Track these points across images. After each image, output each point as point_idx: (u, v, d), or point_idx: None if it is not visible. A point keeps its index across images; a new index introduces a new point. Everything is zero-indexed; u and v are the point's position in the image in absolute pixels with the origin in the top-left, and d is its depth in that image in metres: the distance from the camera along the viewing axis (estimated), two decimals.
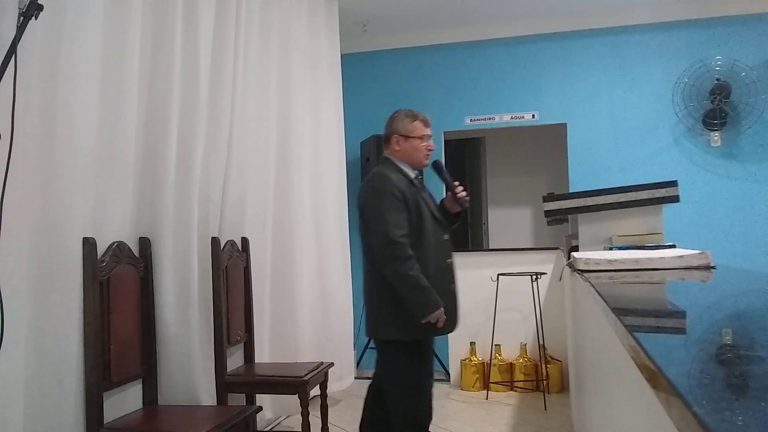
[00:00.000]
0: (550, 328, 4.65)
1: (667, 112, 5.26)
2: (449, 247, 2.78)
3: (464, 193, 2.78)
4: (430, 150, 2.78)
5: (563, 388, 4.67)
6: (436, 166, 2.87)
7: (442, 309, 2.55)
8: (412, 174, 2.75)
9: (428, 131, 2.78)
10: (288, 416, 3.81)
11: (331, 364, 3.48)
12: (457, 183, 2.79)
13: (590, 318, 2.13)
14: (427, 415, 2.69)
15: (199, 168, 2.95)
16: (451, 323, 2.68)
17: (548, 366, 4.63)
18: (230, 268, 3.23)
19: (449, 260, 2.75)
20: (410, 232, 2.58)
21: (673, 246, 2.57)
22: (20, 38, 1.69)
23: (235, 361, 3.30)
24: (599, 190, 2.86)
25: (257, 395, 3.30)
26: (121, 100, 2.48)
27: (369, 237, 2.63)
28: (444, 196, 2.90)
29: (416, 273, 2.52)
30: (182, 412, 2.64)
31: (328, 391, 3.48)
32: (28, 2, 1.70)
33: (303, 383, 3.01)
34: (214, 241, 3.07)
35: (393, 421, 2.66)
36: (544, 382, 4.52)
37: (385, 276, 2.56)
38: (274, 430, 3.67)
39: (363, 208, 2.67)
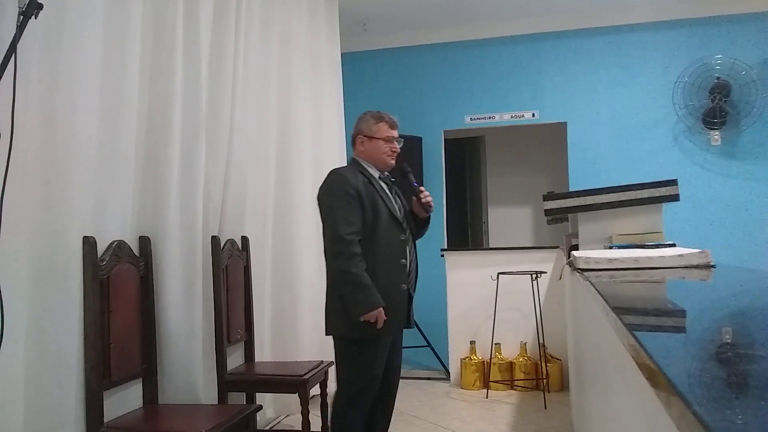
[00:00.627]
0: (550, 327, 4.65)
1: (667, 111, 5.26)
2: (405, 248, 2.71)
3: (429, 199, 2.79)
4: (394, 151, 2.77)
5: (563, 386, 4.67)
6: (402, 170, 2.87)
7: (381, 309, 2.51)
8: (376, 174, 2.75)
9: (394, 133, 2.78)
10: (288, 415, 3.81)
11: (332, 363, 3.47)
12: (422, 188, 2.80)
13: (590, 317, 2.13)
14: (357, 423, 2.65)
15: (200, 167, 2.95)
16: (397, 323, 2.67)
17: (548, 365, 4.63)
18: (230, 267, 3.23)
19: (403, 261, 2.68)
20: (364, 230, 2.58)
21: (673, 245, 2.57)
22: (20, 37, 1.69)
23: (235, 360, 3.30)
24: (599, 189, 2.86)
25: (257, 394, 3.30)
26: (121, 99, 2.48)
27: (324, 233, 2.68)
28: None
29: (358, 270, 2.50)
30: (182, 411, 2.64)
31: (328, 390, 3.48)
32: (28, 1, 1.70)
33: (303, 382, 3.01)
34: (214, 240, 3.07)
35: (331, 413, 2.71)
36: (544, 380, 4.52)
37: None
38: (274, 429, 3.67)
39: (318, 206, 2.70)
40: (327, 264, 2.67)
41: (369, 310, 2.50)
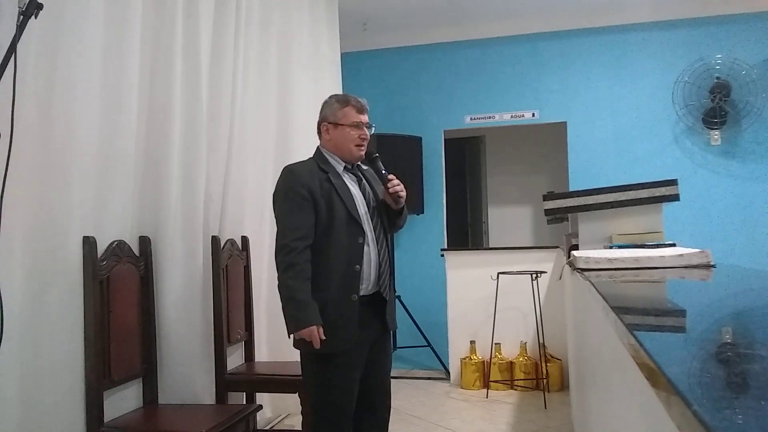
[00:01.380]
0: (550, 327, 4.65)
1: (667, 111, 5.26)
2: (362, 252, 2.37)
3: (398, 188, 2.40)
4: (363, 139, 2.41)
5: (563, 386, 4.67)
6: (368, 155, 2.48)
7: (314, 328, 2.22)
8: (340, 167, 2.42)
9: (363, 118, 2.42)
10: (288, 415, 3.81)
11: None
12: (391, 177, 2.42)
13: (590, 316, 2.13)
14: None
15: (200, 167, 2.95)
16: (342, 341, 2.30)
17: (548, 364, 4.63)
18: (230, 267, 3.23)
19: (358, 267, 2.34)
20: (317, 233, 2.31)
21: (673, 245, 2.57)
22: (20, 37, 1.69)
23: (235, 359, 3.30)
24: (599, 188, 2.86)
25: (257, 394, 3.30)
26: (121, 99, 2.49)
27: None
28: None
29: (294, 283, 2.25)
30: (182, 410, 2.64)
31: None
32: (27, 1, 1.69)
33: (303, 382, 3.01)
34: (214, 239, 3.07)
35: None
36: (544, 380, 4.52)
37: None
38: (274, 428, 3.67)
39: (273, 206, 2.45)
40: None
41: (300, 328, 2.24)
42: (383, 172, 2.46)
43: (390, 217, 2.51)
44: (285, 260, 2.28)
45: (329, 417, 2.35)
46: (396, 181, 2.42)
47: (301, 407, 2.99)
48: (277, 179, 2.42)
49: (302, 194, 2.31)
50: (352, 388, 2.37)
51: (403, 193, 2.44)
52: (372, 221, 2.42)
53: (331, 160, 2.43)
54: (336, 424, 2.35)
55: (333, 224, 2.33)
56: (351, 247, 2.35)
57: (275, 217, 2.40)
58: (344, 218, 2.34)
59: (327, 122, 2.44)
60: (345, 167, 2.44)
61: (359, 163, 2.50)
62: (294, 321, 2.26)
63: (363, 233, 2.38)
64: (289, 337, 2.32)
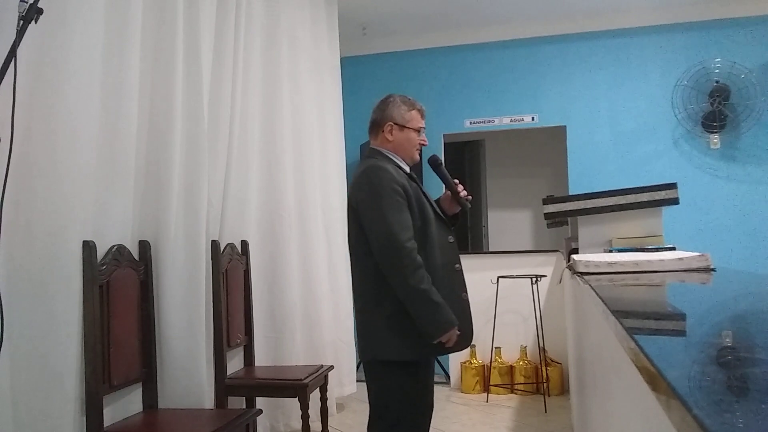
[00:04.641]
0: (550, 331, 4.64)
1: (667, 115, 5.27)
2: (456, 251, 2.41)
3: (465, 192, 2.45)
4: (423, 145, 2.44)
5: (563, 390, 4.66)
6: (433, 161, 2.51)
7: (455, 329, 2.21)
8: (407, 169, 2.41)
9: (423, 124, 2.45)
10: (288, 420, 3.80)
11: (331, 367, 3.48)
12: (456, 181, 2.47)
13: (590, 320, 2.13)
14: None
15: (200, 171, 2.95)
16: (464, 340, 2.31)
17: (548, 368, 4.62)
18: (230, 271, 3.23)
19: (458, 266, 2.37)
20: (414, 234, 2.23)
21: (673, 248, 2.57)
22: (20, 42, 1.69)
23: (235, 364, 3.30)
24: (599, 192, 2.86)
25: (257, 398, 3.30)
26: (121, 103, 2.49)
27: (361, 241, 2.28)
28: (442, 194, 2.54)
29: (427, 286, 2.17)
30: (182, 415, 2.64)
31: (328, 395, 3.47)
32: (28, 6, 1.70)
33: (303, 386, 3.01)
34: (214, 244, 3.07)
35: None
36: (545, 384, 4.51)
37: (389, 285, 2.20)
38: None
39: (358, 207, 2.28)
40: (362, 276, 2.31)
41: (446, 330, 2.18)
42: (450, 177, 2.49)
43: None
44: (407, 263, 2.16)
45: (421, 423, 2.32)
46: (462, 186, 2.46)
47: (325, 414, 2.97)
48: (363, 175, 2.30)
49: (400, 193, 2.23)
50: (431, 398, 2.37)
51: (471, 197, 2.47)
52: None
53: (398, 161, 2.39)
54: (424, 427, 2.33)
55: (428, 223, 2.29)
56: (447, 247, 2.35)
57: (371, 217, 2.22)
58: (434, 218, 2.33)
59: (394, 123, 2.39)
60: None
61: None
62: (438, 324, 2.18)
63: (452, 232, 2.41)
64: (434, 341, 2.20)
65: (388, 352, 2.24)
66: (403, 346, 2.22)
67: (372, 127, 2.45)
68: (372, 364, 2.31)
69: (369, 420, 2.34)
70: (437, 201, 2.49)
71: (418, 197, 2.31)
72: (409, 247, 2.17)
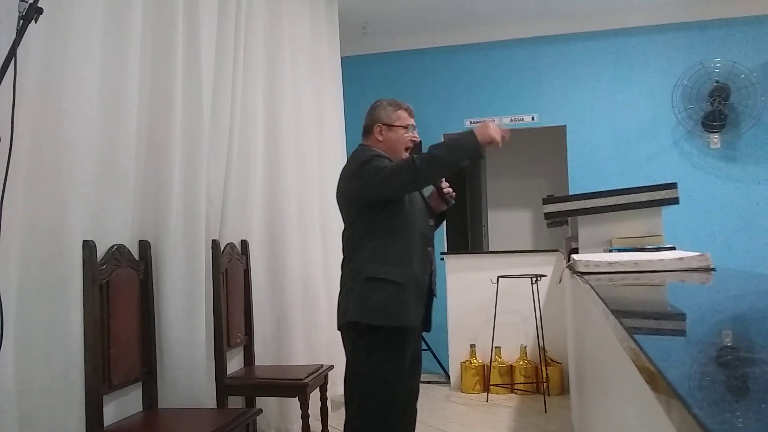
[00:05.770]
0: (550, 331, 4.65)
1: (667, 115, 5.27)
2: (432, 236, 2.60)
3: (450, 190, 2.58)
4: (414, 141, 2.56)
5: (563, 390, 4.66)
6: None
7: (485, 125, 2.27)
8: None
9: (412, 121, 2.59)
10: (288, 420, 3.80)
11: (331, 367, 3.48)
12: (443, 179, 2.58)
13: (590, 320, 2.13)
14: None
15: (200, 170, 2.95)
16: (416, 315, 2.42)
17: (548, 368, 4.62)
18: (230, 270, 3.23)
19: (430, 248, 2.53)
20: (399, 213, 2.39)
21: (673, 248, 2.57)
22: (20, 41, 1.69)
23: (235, 364, 3.30)
24: (599, 192, 2.86)
25: (257, 398, 3.30)
26: (121, 102, 2.49)
27: (352, 224, 2.43)
28: (429, 192, 2.65)
29: (421, 155, 2.30)
30: (182, 415, 2.64)
31: (328, 394, 3.47)
32: (27, 5, 1.70)
33: (303, 386, 3.01)
34: (214, 243, 3.07)
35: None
36: (545, 384, 4.51)
37: (366, 254, 2.35)
38: None
39: (346, 190, 2.44)
40: (353, 232, 2.43)
41: (473, 136, 2.25)
42: None
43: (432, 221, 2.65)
44: (399, 169, 2.30)
45: (384, 406, 2.32)
46: (448, 184, 2.59)
47: (326, 414, 2.98)
48: (349, 162, 2.49)
49: (381, 156, 2.41)
50: (404, 381, 2.39)
51: (455, 195, 2.60)
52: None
53: (387, 156, 2.49)
54: (391, 417, 2.34)
55: (413, 209, 2.44)
56: (425, 227, 2.52)
57: (362, 182, 2.35)
58: (420, 205, 2.50)
59: (382, 124, 2.53)
60: None
61: None
62: (465, 140, 2.28)
63: (431, 218, 2.58)
64: (479, 152, 2.26)
65: (354, 314, 2.34)
66: (369, 309, 2.31)
67: (364, 131, 2.60)
68: (345, 329, 2.42)
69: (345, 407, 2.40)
70: (424, 199, 2.63)
71: None
72: (394, 164, 2.34)
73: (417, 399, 2.62)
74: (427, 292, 2.51)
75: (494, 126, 2.28)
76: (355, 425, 2.35)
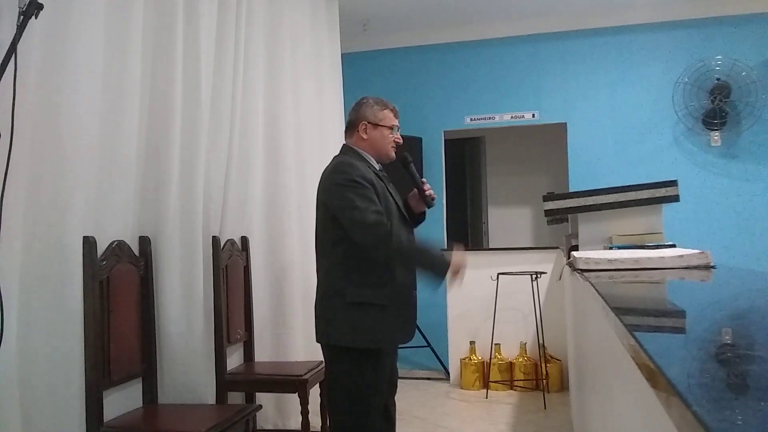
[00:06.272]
0: (549, 328, 4.65)
1: (667, 112, 5.26)
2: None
3: (432, 191, 2.57)
4: (397, 142, 2.54)
5: (563, 387, 4.67)
6: (402, 159, 2.60)
7: (457, 255, 2.31)
8: (377, 166, 2.52)
9: (397, 122, 2.56)
10: (287, 416, 3.81)
11: None
12: (424, 180, 2.59)
13: (590, 317, 2.13)
14: None
15: (200, 167, 2.95)
16: (407, 335, 2.47)
17: (548, 365, 4.63)
18: (230, 267, 3.23)
19: None
20: None
21: (673, 245, 2.57)
22: (20, 37, 1.69)
23: (234, 360, 3.31)
24: (599, 189, 2.86)
25: (257, 394, 3.30)
26: (122, 98, 2.48)
27: (329, 232, 2.41)
28: (410, 193, 2.64)
29: (407, 243, 2.34)
30: (182, 410, 2.64)
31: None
32: (28, 1, 1.70)
33: (303, 382, 3.02)
34: (215, 240, 3.07)
35: None
36: (544, 381, 4.52)
37: (352, 276, 2.35)
38: (274, 428, 3.66)
39: (326, 202, 2.40)
40: (325, 259, 2.44)
41: (447, 262, 2.28)
42: (418, 176, 2.58)
43: (412, 221, 2.62)
44: (383, 234, 2.27)
45: (365, 417, 2.36)
46: (428, 185, 2.58)
47: (326, 410, 3.02)
48: (330, 173, 2.43)
49: (364, 184, 2.34)
50: (384, 387, 2.43)
51: (435, 196, 2.58)
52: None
53: (368, 159, 2.50)
54: (371, 424, 2.37)
55: (391, 220, 2.36)
56: None
57: (339, 206, 2.34)
58: (397, 215, 2.44)
59: (367, 122, 2.50)
60: (380, 168, 2.53)
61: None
62: (439, 263, 2.31)
63: (411, 231, 2.53)
64: (446, 276, 2.29)
65: (341, 338, 2.35)
66: (355, 333, 2.33)
67: (348, 127, 2.57)
68: (326, 348, 2.43)
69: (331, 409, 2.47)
70: (405, 199, 2.61)
71: (384, 194, 2.41)
72: (378, 220, 2.28)
73: (396, 389, 2.66)
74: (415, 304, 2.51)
75: (463, 262, 2.32)
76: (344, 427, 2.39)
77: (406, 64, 5.84)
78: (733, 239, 5.04)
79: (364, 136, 2.50)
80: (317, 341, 2.47)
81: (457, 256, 2.32)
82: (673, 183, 2.76)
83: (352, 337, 2.33)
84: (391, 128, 2.52)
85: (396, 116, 2.57)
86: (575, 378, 3.66)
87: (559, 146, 5.69)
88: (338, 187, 2.35)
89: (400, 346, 2.58)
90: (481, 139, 6.92)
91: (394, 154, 2.55)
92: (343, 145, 2.57)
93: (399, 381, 2.91)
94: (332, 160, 2.53)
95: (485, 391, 4.65)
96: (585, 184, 4.63)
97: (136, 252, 2.61)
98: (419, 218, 2.65)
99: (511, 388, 4.71)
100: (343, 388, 2.37)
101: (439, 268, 2.30)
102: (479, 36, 5.68)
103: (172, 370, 2.76)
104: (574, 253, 2.39)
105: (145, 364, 2.61)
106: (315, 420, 3.29)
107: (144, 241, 2.67)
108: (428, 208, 2.60)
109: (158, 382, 2.69)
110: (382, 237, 2.27)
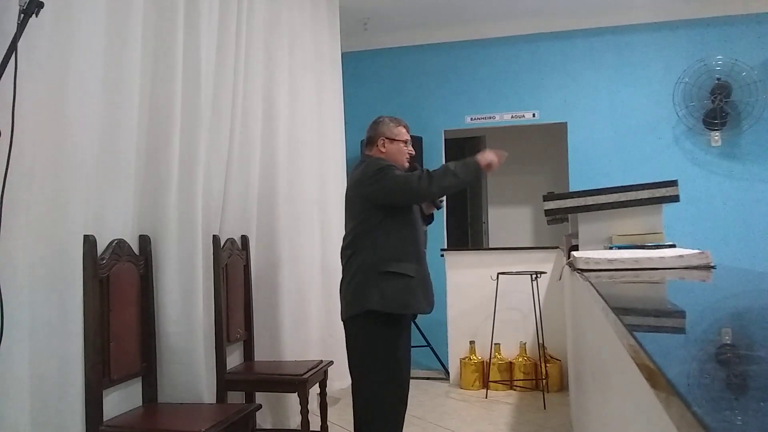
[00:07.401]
0: (549, 327, 4.65)
1: (668, 112, 5.26)
2: (426, 239, 2.99)
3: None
4: (410, 154, 2.95)
5: (563, 387, 4.67)
6: (412, 169, 2.97)
7: (483, 152, 2.77)
8: None
9: (408, 137, 2.97)
10: (287, 415, 3.81)
11: (331, 362, 3.48)
12: None
13: (590, 317, 2.13)
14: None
15: (201, 165, 2.95)
16: (429, 303, 2.84)
17: (548, 365, 4.63)
18: (230, 266, 3.23)
19: (425, 250, 2.94)
20: (405, 217, 2.79)
21: (673, 245, 2.57)
22: (21, 35, 1.69)
23: (234, 359, 3.31)
24: (599, 189, 2.86)
25: (257, 393, 3.30)
26: (122, 97, 2.48)
27: (364, 222, 2.75)
28: None
29: (430, 173, 2.67)
30: (182, 409, 2.64)
31: (328, 389, 3.48)
32: (28, 0, 1.70)
33: (303, 381, 3.02)
34: (215, 239, 3.07)
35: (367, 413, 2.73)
36: (544, 381, 4.52)
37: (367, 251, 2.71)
38: (273, 428, 3.66)
39: (362, 191, 2.77)
40: (358, 242, 2.74)
41: (479, 162, 2.72)
42: None
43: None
44: (420, 175, 2.67)
45: (387, 384, 2.68)
46: None
47: (325, 410, 3.18)
48: (365, 167, 2.80)
49: (394, 167, 2.77)
50: (407, 359, 2.81)
51: (443, 199, 3.08)
52: None
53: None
54: (393, 393, 2.69)
55: (413, 214, 2.83)
56: (420, 231, 2.88)
57: (379, 185, 2.71)
58: (418, 210, 2.89)
59: (385, 137, 2.91)
60: None
61: None
62: (468, 168, 2.74)
63: (425, 223, 2.98)
64: (482, 172, 2.77)
65: (372, 304, 2.66)
66: (385, 300, 2.67)
67: (368, 142, 2.97)
68: (353, 320, 2.74)
69: (353, 405, 2.77)
70: None
71: None
72: (411, 174, 2.73)
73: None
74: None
75: (491, 153, 2.76)
76: (374, 404, 2.70)
77: (406, 63, 5.84)
78: (733, 239, 5.05)
79: (383, 150, 2.90)
80: (342, 318, 2.79)
81: (483, 154, 2.75)
82: (673, 183, 2.76)
83: (384, 303, 2.66)
84: (405, 142, 2.93)
85: (408, 131, 2.97)
86: (575, 378, 3.66)
87: (559, 146, 5.69)
88: (375, 172, 2.73)
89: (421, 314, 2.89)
90: (481, 139, 6.91)
91: (407, 164, 2.93)
92: (365, 155, 2.96)
93: None
94: (357, 166, 2.91)
95: (485, 390, 4.65)
96: (585, 184, 4.63)
97: (136, 251, 2.61)
98: (429, 219, 3.04)
99: (511, 388, 4.71)
100: (371, 355, 2.69)
101: (474, 167, 2.73)
102: (480, 35, 5.68)
103: (171, 369, 2.75)
104: (574, 253, 2.39)
105: (144, 363, 2.61)
106: (314, 420, 3.30)
107: (144, 240, 2.67)
108: (437, 209, 3.02)
109: (158, 381, 2.69)
110: (423, 177, 2.66)
